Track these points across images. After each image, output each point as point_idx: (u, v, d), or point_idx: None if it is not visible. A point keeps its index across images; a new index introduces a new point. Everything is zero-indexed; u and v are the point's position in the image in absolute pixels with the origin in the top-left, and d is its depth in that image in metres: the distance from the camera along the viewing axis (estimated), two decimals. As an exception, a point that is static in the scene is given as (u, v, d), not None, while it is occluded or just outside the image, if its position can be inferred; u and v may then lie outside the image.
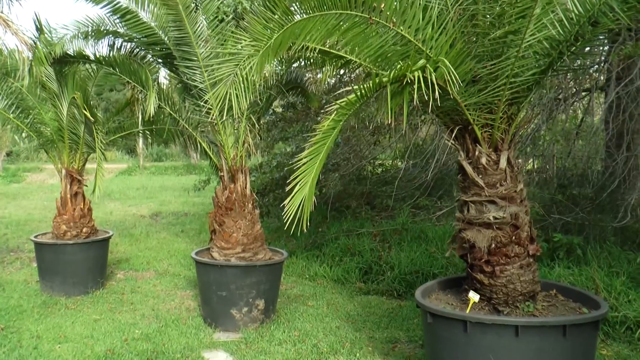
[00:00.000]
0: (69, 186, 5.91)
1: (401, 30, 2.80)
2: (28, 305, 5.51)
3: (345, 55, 2.92)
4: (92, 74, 5.85)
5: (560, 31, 3.06)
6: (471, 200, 3.48)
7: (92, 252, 5.94)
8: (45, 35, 4.89)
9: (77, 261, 5.83)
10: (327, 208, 8.95)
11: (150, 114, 4.76)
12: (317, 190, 10.30)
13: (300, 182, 2.53)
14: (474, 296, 3.35)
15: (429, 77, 2.72)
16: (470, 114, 3.31)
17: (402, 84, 2.82)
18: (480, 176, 3.44)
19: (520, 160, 3.56)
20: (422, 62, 2.79)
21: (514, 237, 3.42)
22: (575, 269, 5.51)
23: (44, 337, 4.70)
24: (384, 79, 2.60)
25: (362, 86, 2.59)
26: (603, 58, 6.73)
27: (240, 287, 4.99)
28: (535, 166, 8.12)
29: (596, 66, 6.96)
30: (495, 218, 3.39)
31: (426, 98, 2.74)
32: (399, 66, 2.66)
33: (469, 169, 3.47)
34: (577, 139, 8.04)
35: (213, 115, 4.76)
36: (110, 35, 5.06)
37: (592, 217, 6.61)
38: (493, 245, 3.41)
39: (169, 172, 24.20)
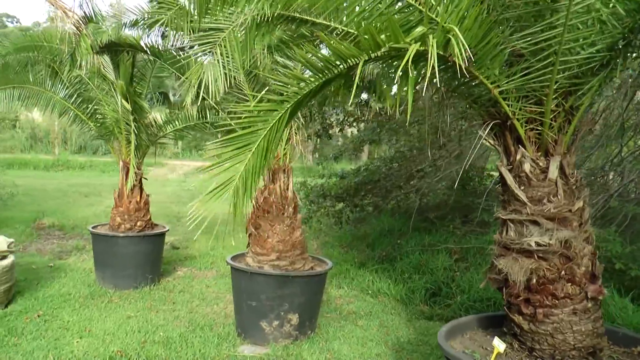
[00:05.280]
0: (125, 178, 5.86)
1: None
2: (75, 294, 5.52)
3: (326, 23, 2.30)
4: (149, 64, 5.75)
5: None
6: (510, 219, 2.67)
7: (143, 247, 5.82)
8: (94, 23, 4.83)
9: (128, 254, 5.74)
10: (412, 218, 8.17)
11: (188, 105, 4.47)
12: (416, 199, 9.58)
13: (219, 187, 1.97)
14: (498, 345, 2.54)
15: (430, 52, 2.03)
16: (508, 105, 2.51)
17: (403, 57, 2.15)
18: (522, 188, 2.62)
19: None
20: (419, 30, 2.10)
21: (564, 272, 2.55)
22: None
23: (70, 329, 4.60)
24: (351, 53, 1.94)
25: (319, 60, 1.96)
26: None
27: (270, 298, 4.51)
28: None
29: None
30: (537, 244, 2.55)
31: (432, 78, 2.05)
32: (380, 37, 2.00)
33: (508, 177, 2.66)
34: None
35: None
36: (159, 24, 4.86)
37: None
38: (534, 280, 2.57)
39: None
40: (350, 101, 5.88)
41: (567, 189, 2.57)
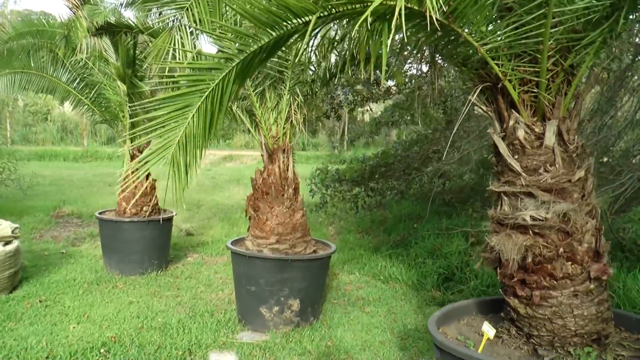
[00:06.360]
0: (130, 163, 5.77)
1: None
2: (81, 279, 5.48)
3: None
4: (150, 45, 5.60)
5: None
6: (503, 192, 2.42)
7: (149, 232, 5.74)
8: (92, 5, 4.71)
9: (133, 240, 5.66)
10: (431, 202, 7.89)
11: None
12: (440, 183, 9.29)
13: (152, 153, 1.77)
14: (488, 330, 2.31)
15: (397, 4, 1.80)
16: (498, 65, 2.26)
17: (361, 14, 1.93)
18: (516, 157, 2.37)
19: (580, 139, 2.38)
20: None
21: (562, 250, 2.29)
22: None
23: (69, 314, 4.54)
24: (301, 6, 1.72)
25: (264, 14, 1.74)
26: None
27: (270, 283, 4.35)
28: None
29: None
30: (533, 218, 2.30)
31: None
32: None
33: (501, 145, 2.41)
34: None
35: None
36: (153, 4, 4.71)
37: None
38: (530, 259, 2.32)
39: (310, 161, 24.31)
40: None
41: (566, 157, 2.31)
